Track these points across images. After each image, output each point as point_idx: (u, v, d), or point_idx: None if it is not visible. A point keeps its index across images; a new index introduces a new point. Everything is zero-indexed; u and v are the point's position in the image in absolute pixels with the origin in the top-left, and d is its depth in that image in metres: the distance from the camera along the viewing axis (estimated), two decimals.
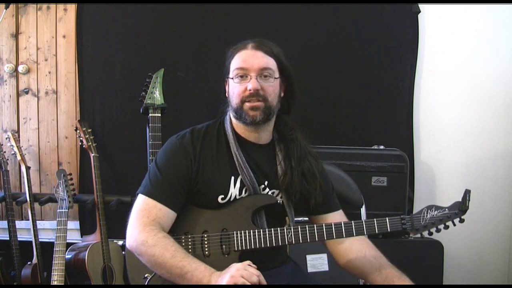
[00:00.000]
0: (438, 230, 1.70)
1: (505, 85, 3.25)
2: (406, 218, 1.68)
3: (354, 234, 1.68)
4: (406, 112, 3.23)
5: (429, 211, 1.70)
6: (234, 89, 1.75)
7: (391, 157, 2.94)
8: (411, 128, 3.23)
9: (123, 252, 1.77)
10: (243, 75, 1.74)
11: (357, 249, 1.81)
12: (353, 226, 1.68)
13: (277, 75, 1.77)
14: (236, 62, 1.75)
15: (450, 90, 3.27)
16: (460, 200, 1.71)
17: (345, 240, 1.81)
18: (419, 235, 3.18)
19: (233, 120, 1.81)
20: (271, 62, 1.76)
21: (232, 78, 1.75)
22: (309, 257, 2.50)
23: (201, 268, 1.56)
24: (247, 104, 1.73)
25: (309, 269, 2.51)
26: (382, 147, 3.03)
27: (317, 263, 2.54)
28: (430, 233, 1.70)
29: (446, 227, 1.70)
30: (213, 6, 3.14)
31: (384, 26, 3.21)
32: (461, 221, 1.69)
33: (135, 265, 1.72)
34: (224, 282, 1.50)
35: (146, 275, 1.69)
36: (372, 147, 3.04)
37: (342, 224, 1.68)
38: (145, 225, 1.64)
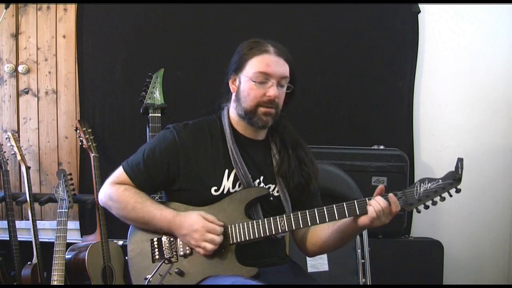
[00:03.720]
0: (434, 203, 1.66)
1: (505, 85, 3.25)
2: (398, 193, 1.66)
3: (347, 215, 1.67)
4: (406, 112, 3.23)
5: (422, 184, 1.66)
6: (251, 91, 1.75)
7: (391, 157, 2.94)
8: (411, 128, 3.23)
9: (126, 257, 1.79)
10: (264, 80, 1.74)
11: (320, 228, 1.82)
12: (345, 207, 1.67)
13: (288, 82, 1.80)
14: (259, 65, 1.74)
15: (450, 90, 3.27)
16: (453, 169, 1.66)
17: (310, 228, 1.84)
18: (420, 235, 3.21)
19: (234, 117, 1.83)
20: (287, 71, 1.78)
21: (253, 81, 1.74)
22: (309, 257, 2.50)
23: (157, 218, 1.70)
24: (261, 109, 1.74)
25: (309, 269, 2.51)
26: (382, 147, 3.03)
27: (317, 263, 2.54)
28: (426, 207, 1.66)
29: (442, 199, 1.66)
30: (213, 6, 3.14)
31: (384, 26, 3.22)
32: (458, 191, 1.65)
33: (137, 267, 1.75)
34: (191, 241, 1.67)
35: (147, 276, 1.72)
36: (372, 147, 3.04)
37: (334, 207, 1.68)
38: (111, 183, 1.80)
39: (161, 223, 1.71)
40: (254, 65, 1.74)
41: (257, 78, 1.73)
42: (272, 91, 1.72)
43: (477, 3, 3.20)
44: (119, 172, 1.81)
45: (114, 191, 1.77)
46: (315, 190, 1.87)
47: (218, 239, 1.65)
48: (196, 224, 1.65)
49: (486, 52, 3.25)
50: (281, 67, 1.75)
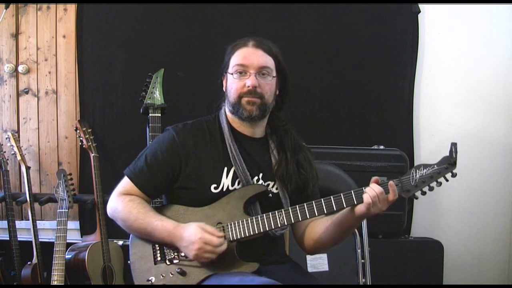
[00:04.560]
0: (431, 188, 1.68)
1: (505, 85, 3.25)
2: (394, 181, 1.67)
3: (345, 206, 1.68)
4: (406, 112, 3.23)
5: (417, 170, 1.68)
6: (233, 84, 1.79)
7: (391, 157, 2.94)
8: (411, 128, 3.23)
9: (129, 262, 1.80)
10: (242, 72, 1.78)
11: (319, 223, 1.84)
12: (343, 198, 1.68)
13: (274, 74, 1.82)
14: (237, 58, 1.80)
15: (450, 90, 3.27)
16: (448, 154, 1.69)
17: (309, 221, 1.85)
18: (420, 235, 3.21)
19: (229, 114, 1.86)
20: (269, 61, 1.80)
21: (232, 74, 1.80)
22: (309, 257, 2.51)
23: (158, 229, 1.70)
24: (244, 99, 1.77)
25: (309, 269, 2.51)
26: (382, 147, 3.03)
27: (317, 263, 2.54)
28: (424, 193, 1.68)
29: (439, 184, 1.67)
30: (213, 6, 3.15)
31: (384, 26, 3.22)
32: (453, 175, 1.67)
33: (139, 270, 1.76)
34: (190, 253, 1.66)
35: (149, 278, 1.73)
36: (372, 147, 3.04)
37: (332, 198, 1.69)
38: (118, 194, 1.80)
39: (163, 234, 1.70)
40: (233, 60, 1.81)
41: (236, 70, 1.78)
42: (250, 81, 1.76)
43: (477, 3, 3.20)
44: (124, 181, 1.82)
45: (120, 202, 1.78)
46: (313, 194, 1.87)
47: (218, 250, 1.64)
48: (193, 236, 1.64)
49: (486, 52, 3.25)
50: (258, 58, 1.78)
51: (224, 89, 1.86)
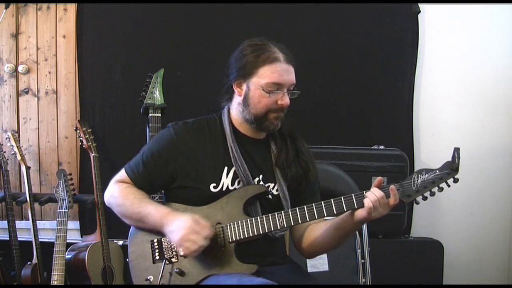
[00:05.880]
0: (432, 194, 1.67)
1: (505, 85, 3.25)
2: (396, 185, 1.66)
3: (345, 210, 1.67)
4: (406, 112, 3.23)
5: (419, 175, 1.66)
6: (262, 99, 1.75)
7: (391, 157, 2.94)
8: (411, 128, 3.23)
9: (128, 259, 1.80)
10: (276, 90, 1.75)
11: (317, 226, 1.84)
12: (343, 201, 1.67)
13: None
14: (271, 76, 1.74)
15: (450, 90, 3.27)
16: (450, 160, 1.67)
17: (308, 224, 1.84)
18: (420, 235, 3.21)
19: (236, 117, 1.84)
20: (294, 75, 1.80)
21: (265, 91, 1.74)
22: (307, 258, 2.51)
23: (152, 213, 1.72)
24: (273, 115, 1.77)
25: (309, 269, 2.51)
26: (382, 147, 3.03)
27: (317, 263, 2.54)
28: (425, 198, 1.67)
29: (441, 189, 1.66)
30: (213, 6, 3.14)
31: (384, 26, 3.22)
32: (455, 181, 1.66)
33: (138, 268, 1.76)
34: (174, 238, 1.66)
35: (148, 277, 1.73)
36: (372, 147, 3.04)
37: (332, 201, 1.68)
38: (115, 182, 1.84)
39: (155, 217, 1.71)
40: (266, 75, 1.74)
41: (270, 88, 1.74)
42: (285, 99, 1.75)
43: (477, 3, 3.20)
44: (122, 173, 1.85)
45: (117, 188, 1.81)
46: (314, 180, 1.88)
47: (201, 242, 1.63)
48: (183, 224, 1.64)
49: (486, 52, 3.25)
50: (291, 75, 1.77)
51: (238, 94, 1.81)
